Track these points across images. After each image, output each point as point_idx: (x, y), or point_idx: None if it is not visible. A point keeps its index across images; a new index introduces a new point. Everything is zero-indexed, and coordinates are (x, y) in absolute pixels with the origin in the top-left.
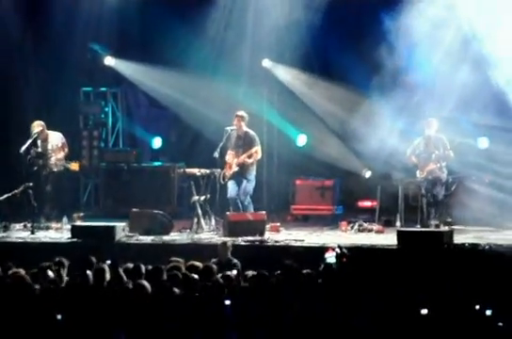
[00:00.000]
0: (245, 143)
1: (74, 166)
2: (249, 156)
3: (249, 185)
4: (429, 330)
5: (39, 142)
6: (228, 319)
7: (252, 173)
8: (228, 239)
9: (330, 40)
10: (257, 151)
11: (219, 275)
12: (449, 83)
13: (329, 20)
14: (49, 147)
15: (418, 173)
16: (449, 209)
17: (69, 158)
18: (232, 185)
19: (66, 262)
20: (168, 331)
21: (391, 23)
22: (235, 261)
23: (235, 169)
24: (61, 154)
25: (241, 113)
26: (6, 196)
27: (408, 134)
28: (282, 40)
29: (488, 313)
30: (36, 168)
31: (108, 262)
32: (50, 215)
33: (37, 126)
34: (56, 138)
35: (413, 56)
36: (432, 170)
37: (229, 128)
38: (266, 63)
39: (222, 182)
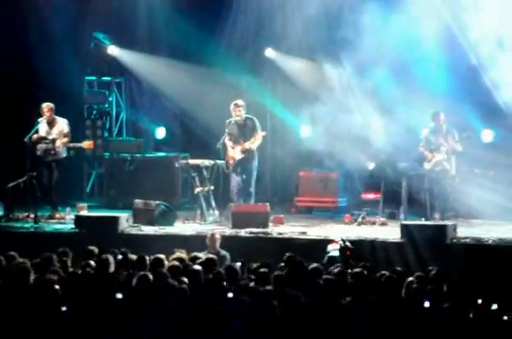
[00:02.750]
0: (247, 129)
1: (88, 144)
2: (253, 142)
3: (254, 171)
4: (432, 323)
5: (45, 127)
6: (231, 311)
7: (256, 156)
8: (231, 231)
9: (331, 29)
10: (259, 137)
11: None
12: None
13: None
14: (55, 132)
15: (425, 165)
16: (453, 202)
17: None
18: (235, 176)
19: (70, 252)
20: (171, 323)
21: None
22: (224, 252)
23: (240, 156)
24: (66, 140)
25: (237, 101)
26: (10, 185)
27: (412, 125)
28: (286, 29)
29: (494, 307)
30: (39, 152)
31: (120, 256)
32: (56, 203)
33: (46, 110)
34: (62, 124)
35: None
36: (439, 162)
37: (232, 119)
38: (269, 53)
39: (227, 171)
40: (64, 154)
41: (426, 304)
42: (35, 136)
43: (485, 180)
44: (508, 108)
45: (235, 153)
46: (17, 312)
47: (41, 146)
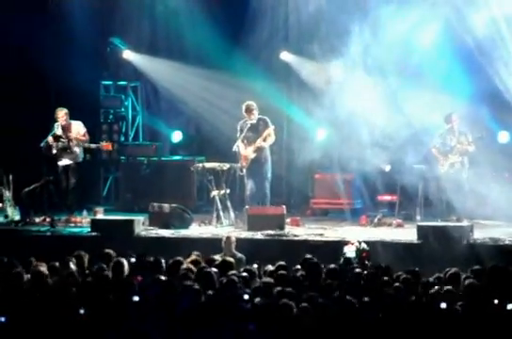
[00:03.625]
0: (259, 130)
1: (106, 146)
2: (264, 139)
3: (269, 174)
4: (448, 324)
5: (60, 132)
6: (246, 313)
7: (269, 158)
8: (247, 233)
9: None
10: (270, 133)
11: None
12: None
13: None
14: (72, 136)
15: (439, 167)
16: (467, 203)
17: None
18: (250, 179)
19: (86, 255)
20: (186, 324)
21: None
22: (240, 255)
23: (252, 155)
24: (83, 139)
25: (249, 104)
26: (26, 190)
27: (427, 126)
28: (301, 33)
29: (510, 307)
30: (55, 151)
31: (133, 259)
32: (72, 207)
33: (61, 115)
34: (77, 127)
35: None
36: (454, 164)
37: (246, 121)
38: (285, 56)
39: (241, 173)
40: (81, 158)
41: (443, 305)
42: (56, 143)
43: (500, 181)
44: None
45: (248, 152)
46: (35, 314)
47: (57, 144)
